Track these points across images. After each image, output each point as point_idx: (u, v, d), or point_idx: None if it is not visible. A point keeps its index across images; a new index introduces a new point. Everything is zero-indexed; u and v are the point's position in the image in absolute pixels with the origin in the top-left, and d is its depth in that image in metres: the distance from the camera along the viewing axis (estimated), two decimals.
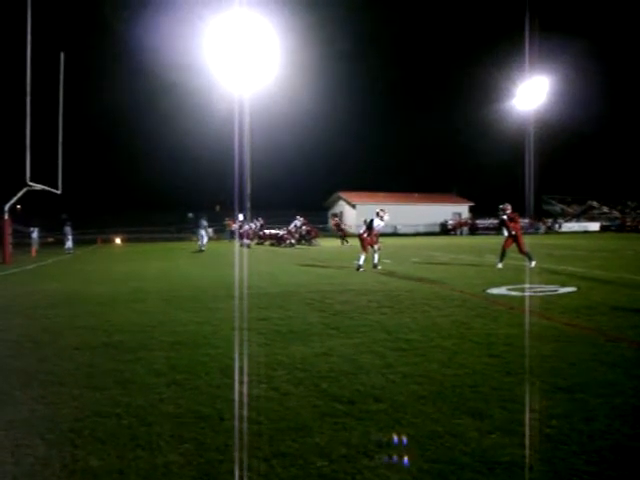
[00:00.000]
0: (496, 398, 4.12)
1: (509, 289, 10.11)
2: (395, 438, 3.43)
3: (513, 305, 8.35)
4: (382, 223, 15.99)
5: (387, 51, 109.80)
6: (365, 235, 15.86)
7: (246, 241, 32.39)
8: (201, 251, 28.79)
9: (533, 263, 14.31)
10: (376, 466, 3.08)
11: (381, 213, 15.93)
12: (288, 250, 29.58)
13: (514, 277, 12.18)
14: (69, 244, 33.24)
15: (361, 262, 15.21)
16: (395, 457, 3.18)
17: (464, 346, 5.82)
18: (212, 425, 3.72)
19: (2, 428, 3.75)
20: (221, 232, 50.69)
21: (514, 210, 15.01)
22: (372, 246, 15.82)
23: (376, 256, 15.83)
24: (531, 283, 10.89)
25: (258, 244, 37.10)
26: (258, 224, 39.89)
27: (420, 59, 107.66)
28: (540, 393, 4.18)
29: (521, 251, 14.83)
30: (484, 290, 10.10)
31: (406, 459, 3.14)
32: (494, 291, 9.95)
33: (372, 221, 15.82)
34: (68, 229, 33.61)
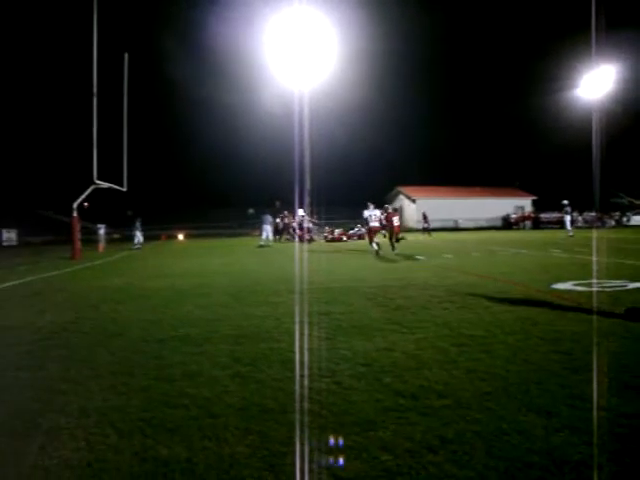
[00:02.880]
0: (563, 395, 4.04)
1: (575, 284, 9.84)
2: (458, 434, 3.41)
3: (580, 301, 8.13)
4: (376, 213, 21.00)
5: (448, 42, 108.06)
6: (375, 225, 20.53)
7: (306, 236, 32.48)
8: (267, 246, 29.08)
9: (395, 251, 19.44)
10: (441, 462, 3.07)
11: (369, 205, 20.85)
12: (345, 245, 29.59)
13: (581, 272, 11.84)
14: (138, 239, 34.22)
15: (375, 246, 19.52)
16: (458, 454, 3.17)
17: (529, 342, 5.71)
18: (276, 418, 3.77)
19: (76, 416, 3.91)
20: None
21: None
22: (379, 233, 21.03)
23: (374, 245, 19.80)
24: (599, 278, 10.57)
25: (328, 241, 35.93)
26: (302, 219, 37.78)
27: (482, 49, 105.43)
28: (609, 391, 4.07)
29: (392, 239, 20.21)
30: (549, 285, 9.85)
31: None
32: (560, 286, 9.70)
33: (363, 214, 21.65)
34: (138, 225, 34.64)
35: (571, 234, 31.50)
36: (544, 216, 56.97)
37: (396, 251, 19.53)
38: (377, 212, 21.01)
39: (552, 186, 65.28)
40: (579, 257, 14.84)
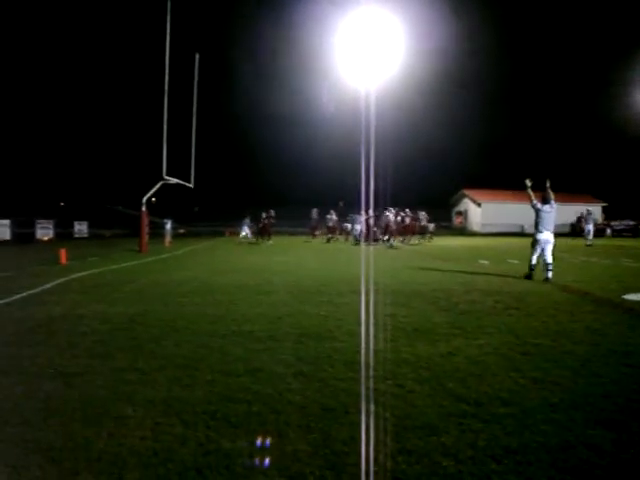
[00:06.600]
0: (634, 410, 3.90)
1: None
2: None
3: None
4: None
5: (517, 44, 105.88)
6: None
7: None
8: (357, 244, 30.98)
9: None
10: (504, 471, 3.01)
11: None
12: (408, 247, 29.36)
13: None
14: (247, 233, 37.73)
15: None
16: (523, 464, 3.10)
17: (598, 354, 5.53)
18: (338, 417, 3.78)
19: (143, 406, 4.02)
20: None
21: None
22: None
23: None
24: None
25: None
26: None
27: (553, 53, 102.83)
28: None
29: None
30: (620, 295, 9.52)
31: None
32: (632, 297, 9.34)
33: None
34: (247, 221, 37.91)
35: (589, 243, 30.50)
36: (615, 224, 54.87)
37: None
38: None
39: (624, 193, 63.13)
40: None
